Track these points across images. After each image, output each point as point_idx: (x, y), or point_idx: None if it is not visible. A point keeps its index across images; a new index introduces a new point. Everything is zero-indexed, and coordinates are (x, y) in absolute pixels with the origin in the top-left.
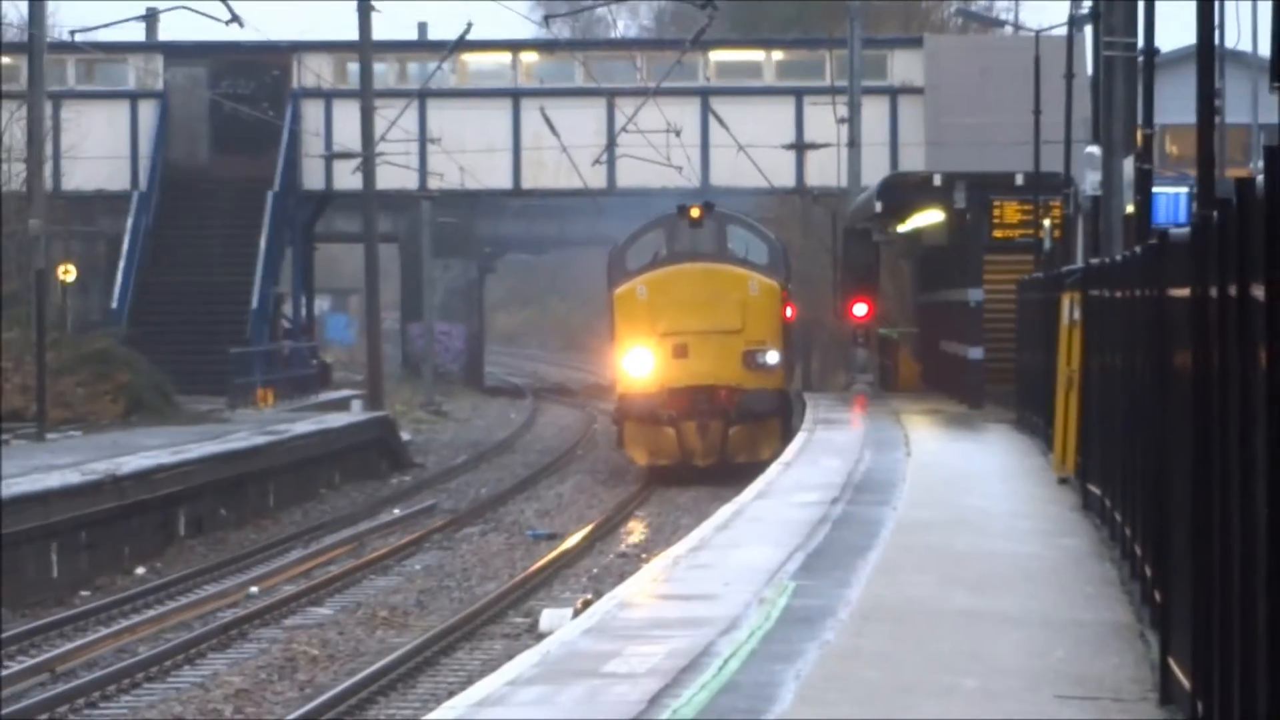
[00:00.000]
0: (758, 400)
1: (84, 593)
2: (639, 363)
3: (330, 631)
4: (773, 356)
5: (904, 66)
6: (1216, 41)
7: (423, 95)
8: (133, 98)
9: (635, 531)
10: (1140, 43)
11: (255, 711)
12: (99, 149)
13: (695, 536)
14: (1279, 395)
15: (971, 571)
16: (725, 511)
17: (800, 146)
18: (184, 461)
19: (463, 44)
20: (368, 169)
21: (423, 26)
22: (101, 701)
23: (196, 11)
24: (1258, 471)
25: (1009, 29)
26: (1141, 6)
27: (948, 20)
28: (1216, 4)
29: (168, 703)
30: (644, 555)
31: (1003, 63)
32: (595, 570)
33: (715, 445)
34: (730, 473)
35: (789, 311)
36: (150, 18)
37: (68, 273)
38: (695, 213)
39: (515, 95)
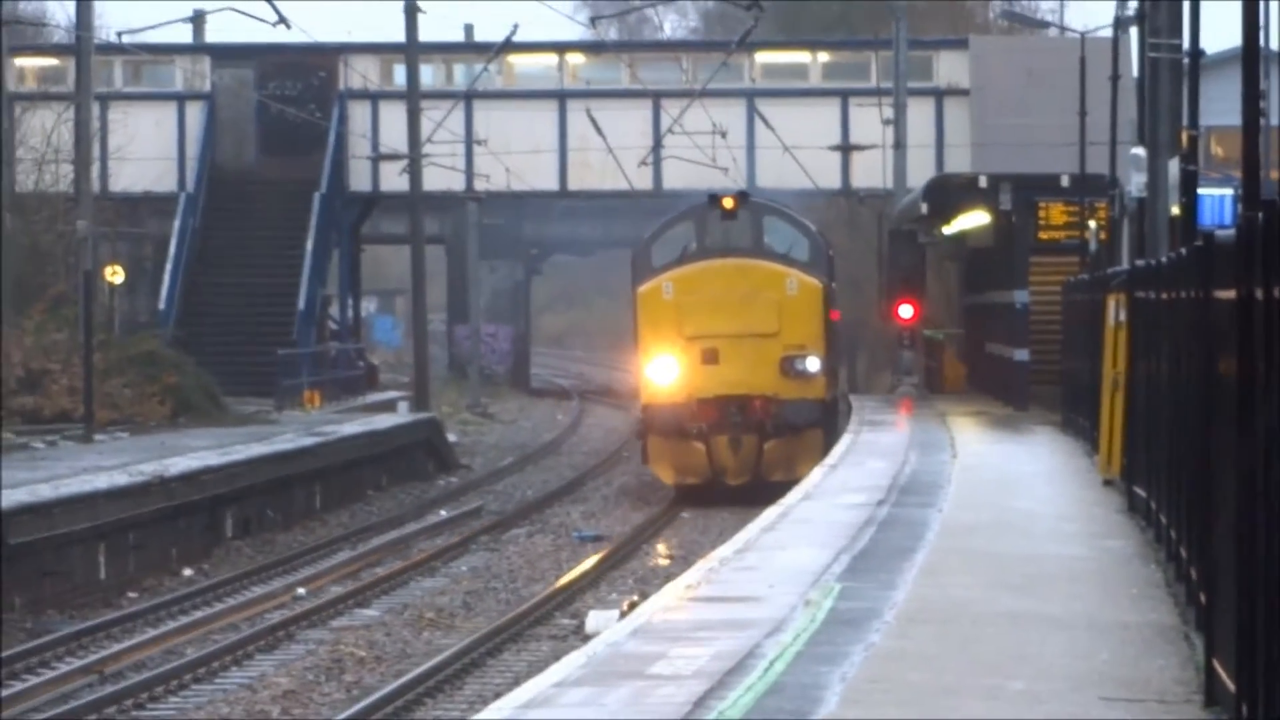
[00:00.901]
0: (796, 412)
1: (131, 594)
2: (664, 370)
3: (377, 633)
4: (813, 363)
5: (949, 68)
6: (1262, 43)
7: (469, 97)
8: (180, 99)
9: (681, 534)
10: (1185, 44)
11: (302, 713)
12: (146, 150)
13: (741, 538)
14: None
15: (1017, 574)
16: (771, 513)
17: (846, 148)
18: (231, 463)
19: (509, 46)
20: (414, 170)
21: (469, 28)
22: (150, 703)
23: (243, 13)
24: None
25: (1054, 30)
26: (1187, 7)
27: (993, 21)
28: (1262, 5)
29: (215, 704)
30: (690, 557)
31: (1048, 64)
32: (641, 572)
33: (749, 462)
34: (765, 493)
35: (833, 313)
36: (197, 19)
37: (115, 274)
38: (728, 203)
39: (561, 97)
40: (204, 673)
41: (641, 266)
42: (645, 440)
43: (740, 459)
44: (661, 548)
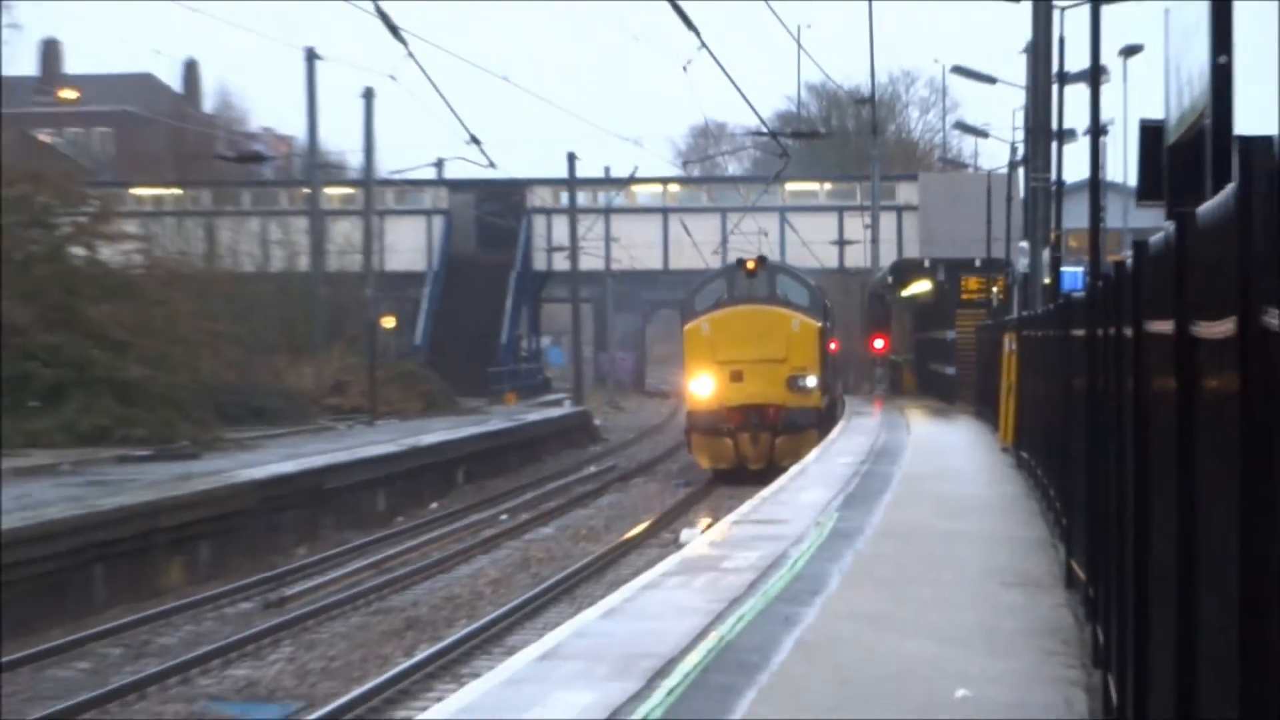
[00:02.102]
0: (799, 416)
1: (399, 519)
2: (703, 386)
3: (551, 543)
4: (811, 380)
5: (906, 193)
6: (1100, 176)
7: (607, 212)
8: (428, 214)
9: (742, 482)
10: (1053, 177)
11: (505, 591)
12: (406, 245)
13: (776, 485)
14: (1140, 396)
15: (949, 506)
16: (795, 469)
17: (841, 242)
18: (461, 438)
19: (631, 180)
20: (573, 257)
21: (607, 169)
22: (410, 587)
23: (466, 159)
24: (1126, 441)
25: (972, 169)
26: (1055, 153)
27: (934, 163)
28: (1101, 152)
29: (449, 587)
30: (745, 497)
31: (968, 189)
32: (715, 505)
33: (764, 452)
34: (776, 475)
35: (832, 345)
36: (439, 163)
37: (389, 322)
38: (751, 265)
39: (664, 211)
40: (444, 567)
41: (688, 311)
42: (690, 437)
43: (758, 450)
44: (729, 490)
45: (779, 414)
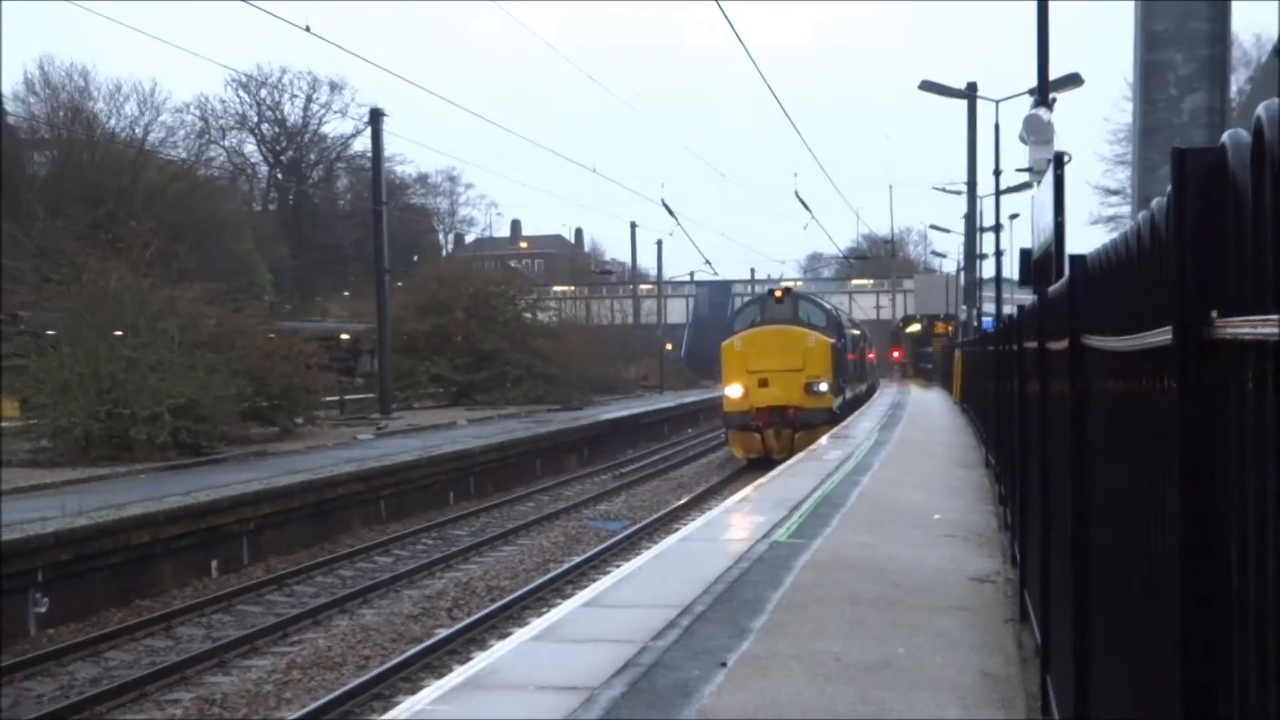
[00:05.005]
0: (814, 415)
1: (676, 439)
2: (736, 391)
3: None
4: (824, 386)
5: (909, 283)
6: (1000, 274)
7: (769, 294)
8: (686, 296)
9: (769, 468)
10: (975, 276)
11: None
12: (676, 310)
13: (846, 421)
14: (1041, 389)
15: (931, 429)
16: (858, 413)
17: (878, 307)
18: (707, 398)
19: (781, 280)
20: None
21: (769, 274)
22: (681, 466)
23: (705, 269)
24: (1010, 395)
25: (939, 270)
26: (977, 263)
27: (921, 268)
28: (1004, 252)
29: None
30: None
31: (938, 281)
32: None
33: (786, 444)
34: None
35: (871, 355)
36: (691, 273)
37: (669, 346)
38: (778, 294)
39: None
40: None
41: (727, 331)
42: (726, 433)
43: (781, 442)
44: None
45: (797, 413)
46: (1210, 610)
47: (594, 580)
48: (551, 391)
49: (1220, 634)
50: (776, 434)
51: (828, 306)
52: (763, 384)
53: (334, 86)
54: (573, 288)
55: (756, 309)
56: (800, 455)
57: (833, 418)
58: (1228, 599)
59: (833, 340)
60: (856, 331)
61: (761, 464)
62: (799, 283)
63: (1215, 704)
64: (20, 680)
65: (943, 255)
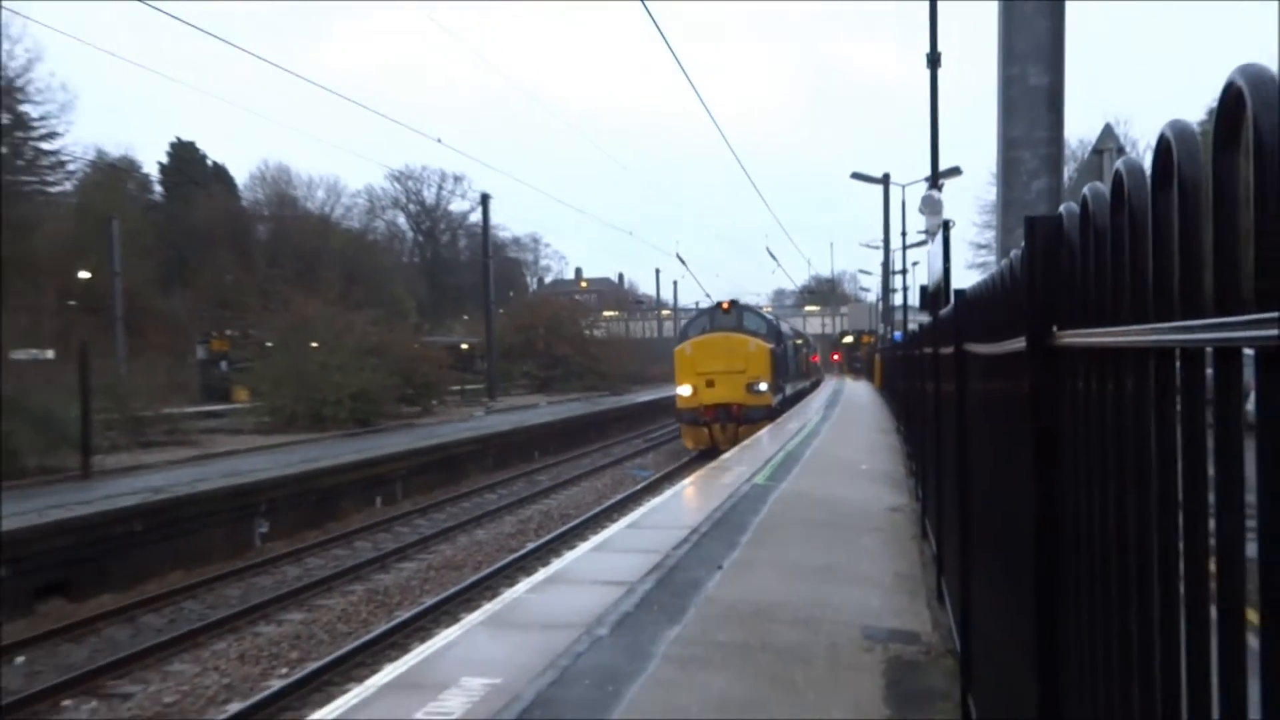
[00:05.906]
0: (754, 411)
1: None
2: (687, 390)
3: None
4: (763, 386)
5: (845, 309)
6: (907, 302)
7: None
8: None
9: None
10: (891, 303)
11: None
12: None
13: (805, 400)
14: (936, 381)
15: (859, 414)
16: (809, 397)
17: (822, 325)
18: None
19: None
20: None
21: (748, 303)
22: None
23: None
24: (912, 382)
25: (866, 301)
26: (891, 292)
27: (855, 297)
28: (909, 287)
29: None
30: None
31: (864, 309)
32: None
33: (731, 437)
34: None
35: (788, 359)
36: (698, 302)
37: None
38: (725, 305)
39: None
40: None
41: (680, 338)
42: (680, 427)
43: (726, 435)
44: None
45: (740, 410)
46: (1054, 536)
47: (632, 510)
48: (602, 383)
49: (1063, 549)
50: (722, 428)
51: (769, 317)
52: (710, 384)
53: (457, 179)
54: (617, 313)
55: (706, 319)
56: (770, 426)
57: (772, 414)
58: (1068, 523)
59: (772, 345)
60: (800, 340)
61: (710, 454)
62: (766, 307)
63: (1056, 593)
64: (250, 576)
65: (867, 290)
